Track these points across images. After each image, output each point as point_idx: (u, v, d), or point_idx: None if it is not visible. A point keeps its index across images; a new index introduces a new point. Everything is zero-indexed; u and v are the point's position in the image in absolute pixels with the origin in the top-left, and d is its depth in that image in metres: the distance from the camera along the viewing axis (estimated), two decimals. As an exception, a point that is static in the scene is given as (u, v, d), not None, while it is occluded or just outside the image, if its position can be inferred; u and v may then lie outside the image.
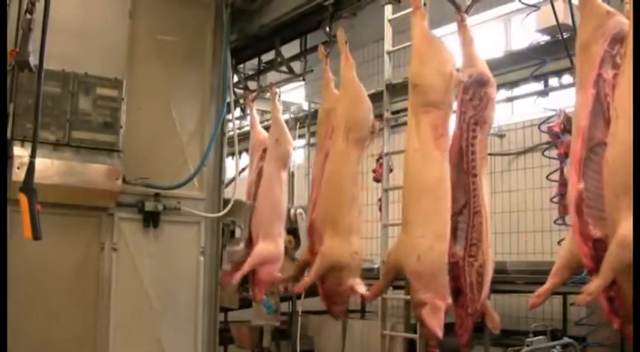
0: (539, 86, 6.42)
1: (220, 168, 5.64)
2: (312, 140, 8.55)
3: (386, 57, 6.26)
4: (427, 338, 3.56)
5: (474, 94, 3.72)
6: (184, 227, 5.33)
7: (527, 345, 4.46)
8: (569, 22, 3.80)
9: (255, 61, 6.49)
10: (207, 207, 5.45)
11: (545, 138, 6.60)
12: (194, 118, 5.46)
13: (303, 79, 6.45)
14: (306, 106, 9.02)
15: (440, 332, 3.45)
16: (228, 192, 5.73)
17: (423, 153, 3.58)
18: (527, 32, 6.24)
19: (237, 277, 5.17)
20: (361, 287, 4.24)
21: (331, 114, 4.49)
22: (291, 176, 7.69)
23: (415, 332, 5.99)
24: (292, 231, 6.90)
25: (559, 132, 5.19)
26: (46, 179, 4.36)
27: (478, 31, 7.93)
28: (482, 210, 3.58)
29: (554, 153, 5.36)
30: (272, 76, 6.63)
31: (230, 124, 5.85)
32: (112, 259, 4.96)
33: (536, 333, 4.70)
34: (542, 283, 3.11)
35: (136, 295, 5.04)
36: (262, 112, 7.88)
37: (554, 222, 5.21)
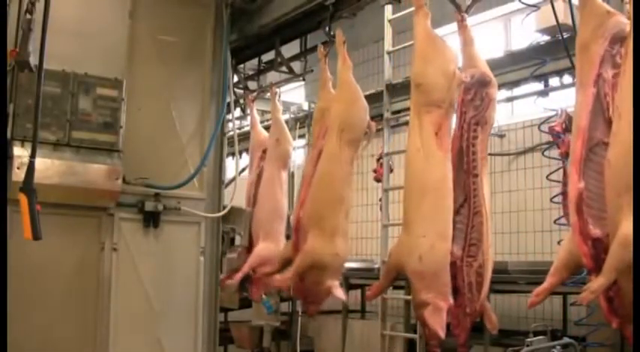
0: (539, 86, 6.41)
1: (220, 168, 5.64)
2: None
3: (386, 57, 6.27)
4: (429, 338, 3.55)
5: (476, 94, 3.73)
6: (184, 227, 5.33)
7: (527, 345, 4.45)
8: (569, 22, 3.79)
9: (255, 61, 6.49)
10: (207, 207, 5.45)
11: (545, 138, 6.59)
12: (194, 118, 5.46)
13: (303, 79, 6.45)
14: (306, 106, 9.01)
15: (442, 333, 3.44)
16: (228, 192, 5.73)
17: (426, 152, 3.57)
18: (527, 32, 6.24)
19: (238, 277, 5.18)
20: (339, 291, 4.26)
21: (326, 113, 4.48)
22: (291, 176, 7.68)
23: (415, 332, 6.00)
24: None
25: (560, 131, 5.18)
26: (46, 179, 4.36)
27: (478, 31, 7.93)
28: (482, 209, 3.59)
29: (554, 153, 5.35)
30: (272, 76, 6.62)
31: (230, 124, 5.84)
32: (112, 259, 4.96)
33: (536, 333, 4.69)
34: (542, 283, 3.11)
35: (136, 295, 5.04)
36: (262, 112, 7.87)
37: (555, 221, 5.20)
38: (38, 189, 3.70)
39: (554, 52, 5.20)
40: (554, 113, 5.22)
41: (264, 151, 5.67)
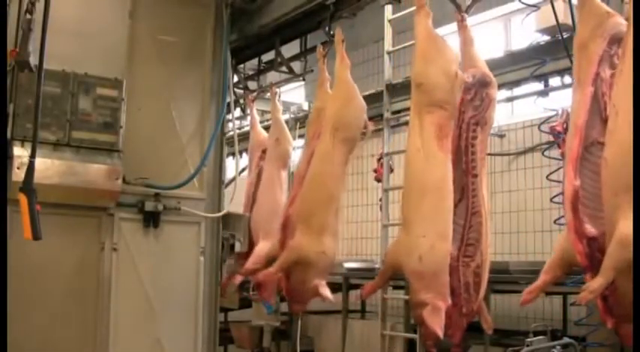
0: (539, 86, 6.42)
1: (220, 168, 5.64)
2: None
3: (386, 57, 6.27)
4: (426, 337, 3.53)
5: (476, 95, 3.72)
6: (184, 227, 5.33)
7: (527, 345, 4.45)
8: (569, 22, 3.79)
9: (255, 61, 6.49)
10: (207, 207, 5.45)
11: (545, 138, 6.60)
12: (194, 118, 5.45)
13: (303, 79, 6.45)
14: (306, 106, 9.01)
15: (442, 333, 3.43)
16: (228, 192, 5.73)
17: (426, 152, 3.55)
18: (527, 32, 6.24)
19: (238, 279, 5.18)
20: (326, 291, 4.22)
21: (322, 113, 4.47)
22: (291, 176, 7.69)
23: (415, 332, 6.00)
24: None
25: (561, 131, 5.19)
26: (46, 179, 4.36)
27: (478, 31, 7.94)
28: (481, 210, 3.58)
29: (554, 152, 5.36)
30: (272, 76, 6.62)
31: (230, 124, 5.85)
32: (112, 259, 4.96)
33: (536, 333, 4.69)
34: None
35: (136, 295, 5.04)
36: (262, 112, 7.88)
37: (555, 221, 5.20)
38: (38, 189, 3.70)
39: (554, 52, 5.20)
40: (554, 113, 5.23)
41: (264, 151, 5.67)
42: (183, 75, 5.44)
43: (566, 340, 4.76)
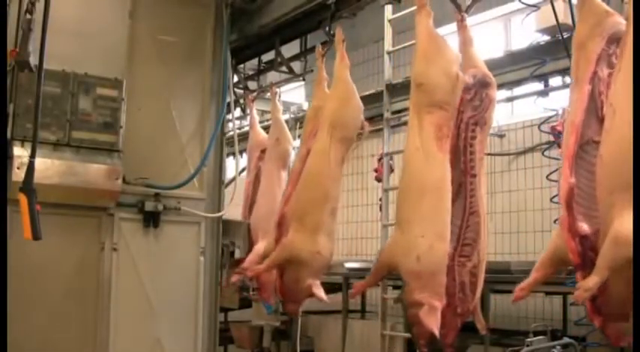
0: (539, 86, 6.42)
1: (220, 168, 5.64)
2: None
3: (386, 57, 6.27)
4: (419, 337, 3.48)
5: (475, 95, 3.71)
6: (184, 227, 5.34)
7: (527, 345, 4.45)
8: (569, 22, 3.79)
9: (255, 61, 6.49)
10: (207, 207, 5.45)
11: (545, 138, 6.60)
12: (194, 118, 5.46)
13: (303, 79, 6.45)
14: (306, 106, 9.02)
15: (438, 333, 3.42)
16: (228, 192, 5.73)
17: (425, 152, 3.52)
18: (527, 32, 6.24)
19: (235, 278, 5.17)
20: (320, 291, 4.19)
21: (319, 112, 4.46)
22: (291, 176, 7.68)
23: (415, 332, 5.99)
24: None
25: (562, 131, 5.18)
26: (46, 179, 4.37)
27: (478, 31, 7.94)
28: (479, 210, 3.56)
29: (554, 152, 5.35)
30: (272, 76, 6.62)
31: (230, 124, 5.85)
32: (112, 259, 4.96)
33: (536, 333, 4.69)
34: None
35: (136, 295, 5.04)
36: (262, 112, 7.88)
37: (555, 221, 5.20)
38: (38, 189, 3.70)
39: (554, 52, 5.20)
40: (554, 113, 5.23)
41: (263, 151, 5.67)
42: (183, 75, 5.44)
43: (566, 340, 4.76)
